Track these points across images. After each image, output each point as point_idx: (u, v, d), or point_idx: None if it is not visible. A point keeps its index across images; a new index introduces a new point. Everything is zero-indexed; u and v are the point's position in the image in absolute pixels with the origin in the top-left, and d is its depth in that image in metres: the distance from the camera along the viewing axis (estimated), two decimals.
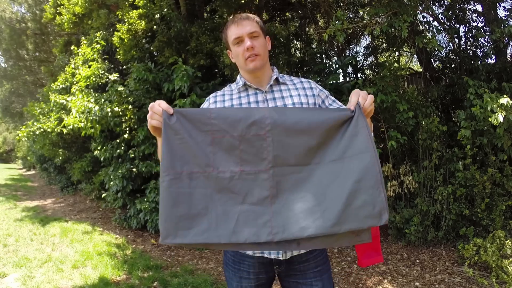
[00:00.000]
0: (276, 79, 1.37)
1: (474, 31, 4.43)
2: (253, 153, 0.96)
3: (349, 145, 0.95)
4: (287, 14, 7.01)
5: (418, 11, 4.07)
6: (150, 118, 1.05)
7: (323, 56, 5.76)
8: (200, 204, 0.93)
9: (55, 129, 5.90)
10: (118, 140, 5.47)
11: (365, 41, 6.98)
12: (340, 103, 1.35)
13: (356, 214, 0.91)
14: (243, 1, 5.08)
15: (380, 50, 5.52)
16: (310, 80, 1.42)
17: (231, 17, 1.36)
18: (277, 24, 5.15)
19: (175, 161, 0.94)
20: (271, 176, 0.95)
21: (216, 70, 5.31)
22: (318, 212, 0.92)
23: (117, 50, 5.35)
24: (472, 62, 4.25)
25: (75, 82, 6.25)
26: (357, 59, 5.28)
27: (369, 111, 1.08)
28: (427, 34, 4.09)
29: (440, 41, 5.18)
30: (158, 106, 1.04)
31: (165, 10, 4.80)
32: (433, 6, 4.66)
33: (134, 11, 5.01)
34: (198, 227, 0.91)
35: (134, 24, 5.00)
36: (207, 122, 0.97)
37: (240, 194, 0.94)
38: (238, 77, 1.41)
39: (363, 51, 5.52)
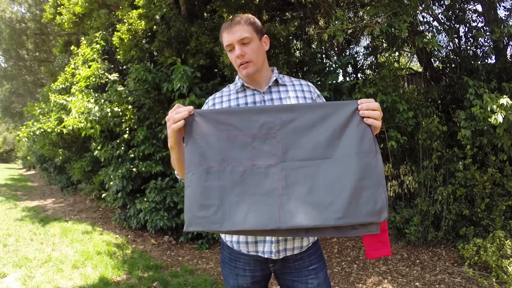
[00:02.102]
0: (276, 80, 1.36)
1: (474, 31, 4.43)
2: (264, 150, 1.06)
3: (355, 145, 1.02)
4: (287, 14, 7.00)
5: (418, 11, 4.07)
6: (173, 122, 1.08)
7: (323, 56, 5.76)
8: (216, 195, 1.03)
9: (55, 129, 5.90)
10: (118, 140, 5.47)
11: (365, 41, 6.99)
12: None
13: (359, 209, 0.97)
14: (243, 1, 5.08)
15: (380, 50, 5.52)
16: (309, 83, 1.42)
17: (225, 21, 1.35)
18: (277, 24, 5.15)
19: (195, 158, 1.06)
20: (279, 169, 1.04)
21: (215, 70, 5.31)
22: (324, 204, 0.99)
23: (117, 50, 5.35)
24: (472, 62, 4.25)
25: (75, 82, 6.26)
26: (357, 59, 5.28)
27: (377, 117, 1.06)
28: (427, 34, 4.09)
29: (440, 41, 5.18)
30: (181, 109, 1.09)
31: (165, 10, 4.80)
32: (433, 6, 4.66)
33: (134, 11, 5.01)
34: (214, 216, 1.02)
35: (134, 24, 5.00)
36: (224, 121, 1.08)
37: (252, 186, 1.03)
38: (237, 78, 1.41)
39: (363, 51, 5.52)
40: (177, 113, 1.08)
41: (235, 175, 1.04)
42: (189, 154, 1.06)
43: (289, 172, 1.03)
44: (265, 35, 1.37)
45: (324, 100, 1.41)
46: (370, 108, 1.06)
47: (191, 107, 1.09)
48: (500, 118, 3.04)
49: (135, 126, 5.18)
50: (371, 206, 0.97)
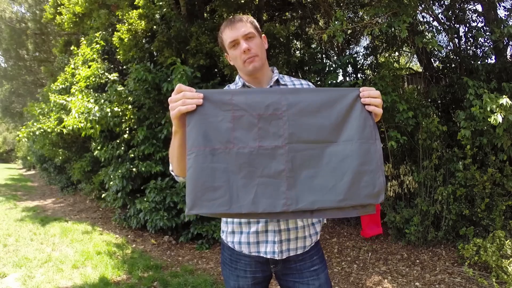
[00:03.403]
0: (277, 80, 1.36)
1: (474, 31, 4.43)
2: (270, 131, 1.04)
3: (357, 131, 1.05)
4: (287, 14, 7.00)
5: (418, 11, 4.07)
6: (182, 104, 1.03)
7: (323, 56, 5.76)
8: (222, 177, 1.01)
9: (55, 129, 5.90)
10: (118, 140, 5.47)
11: (365, 41, 6.99)
12: None
13: (359, 192, 1.03)
14: (242, 1, 5.08)
15: (380, 50, 5.52)
16: (310, 83, 1.41)
17: (225, 21, 1.35)
18: (276, 24, 5.14)
19: (199, 139, 1.03)
20: (286, 151, 1.04)
21: (215, 70, 5.31)
22: (327, 187, 1.03)
23: (117, 50, 5.35)
24: (472, 62, 4.25)
25: (75, 82, 6.25)
26: (357, 59, 5.27)
27: (377, 104, 1.09)
28: (427, 34, 4.09)
29: (440, 41, 5.18)
30: (192, 94, 1.04)
31: (165, 10, 4.80)
32: (433, 6, 4.66)
33: (134, 11, 5.01)
34: (221, 199, 1.00)
35: (134, 24, 5.00)
36: (228, 102, 1.05)
37: (258, 167, 1.03)
38: (237, 77, 1.40)
39: (363, 51, 5.52)
40: (189, 98, 1.04)
41: (241, 157, 1.03)
42: (192, 134, 1.03)
43: (296, 154, 1.04)
44: (263, 35, 1.37)
45: None
46: (371, 96, 1.08)
47: (201, 94, 1.05)
48: (499, 118, 3.04)
49: (135, 126, 5.18)
50: (370, 189, 1.03)
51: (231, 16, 1.34)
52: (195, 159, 1.02)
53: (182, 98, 1.04)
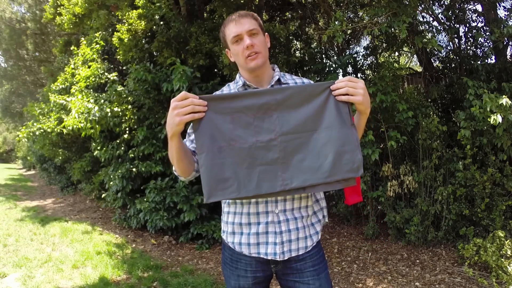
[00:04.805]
0: (278, 79, 1.36)
1: (474, 31, 4.43)
2: (264, 127, 1.23)
3: (335, 118, 1.23)
4: (287, 14, 7.00)
5: (417, 11, 4.07)
6: (193, 111, 1.14)
7: (323, 56, 5.76)
8: (230, 170, 1.21)
9: (55, 129, 5.90)
10: (118, 140, 5.47)
11: (365, 41, 6.99)
12: None
13: (341, 168, 1.21)
14: (242, 1, 5.08)
15: (380, 50, 5.52)
16: (311, 82, 1.41)
17: (230, 15, 1.33)
18: (276, 24, 5.14)
19: (207, 141, 1.21)
20: (279, 142, 1.23)
21: (215, 70, 5.30)
22: (314, 167, 1.22)
23: (117, 50, 5.35)
24: (472, 62, 4.24)
25: (75, 83, 6.25)
26: (357, 59, 5.27)
27: (351, 93, 1.18)
28: (427, 34, 4.09)
29: (440, 41, 5.18)
30: (196, 100, 1.15)
31: (165, 10, 4.79)
32: (433, 6, 4.66)
33: (134, 11, 5.01)
34: (232, 187, 1.21)
35: (133, 24, 5.00)
36: (227, 106, 1.22)
37: (258, 158, 1.22)
38: (238, 76, 1.40)
39: (363, 51, 5.52)
40: (197, 105, 1.15)
41: (243, 151, 1.22)
42: (200, 138, 1.21)
43: (287, 143, 1.23)
44: (266, 34, 1.37)
45: None
46: (336, 88, 1.19)
47: (204, 102, 1.17)
48: (499, 118, 3.04)
49: (135, 126, 5.18)
50: (351, 165, 1.21)
51: (236, 12, 1.33)
52: (205, 158, 1.20)
53: (191, 104, 1.13)
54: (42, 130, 5.94)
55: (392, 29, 3.68)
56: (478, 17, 4.66)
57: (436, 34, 4.31)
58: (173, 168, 1.32)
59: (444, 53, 4.94)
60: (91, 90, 5.79)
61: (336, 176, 1.21)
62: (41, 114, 6.64)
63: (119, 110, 4.97)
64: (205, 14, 5.77)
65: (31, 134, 5.91)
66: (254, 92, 1.26)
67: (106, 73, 5.84)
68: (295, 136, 1.23)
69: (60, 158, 8.47)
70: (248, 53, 1.26)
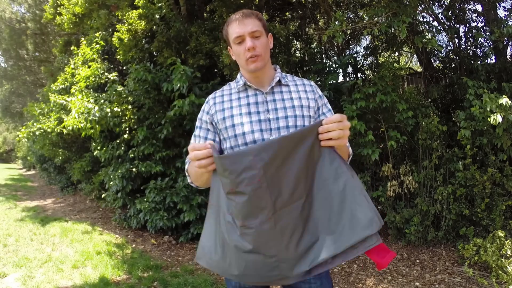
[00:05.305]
0: (279, 80, 1.35)
1: (474, 31, 4.43)
2: (252, 205, 1.00)
3: (327, 171, 1.02)
4: (287, 14, 7.00)
5: (417, 11, 4.07)
6: (209, 164, 1.08)
7: (323, 56, 5.75)
8: (220, 244, 1.07)
9: (55, 129, 5.90)
10: (118, 140, 5.47)
11: (365, 41, 6.98)
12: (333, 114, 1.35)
13: (351, 230, 0.97)
14: (242, 1, 5.08)
15: (380, 50, 5.52)
16: (312, 83, 1.41)
17: (234, 14, 1.32)
18: (276, 24, 5.14)
19: (214, 197, 1.12)
20: (273, 224, 0.99)
21: (215, 70, 5.30)
22: (318, 244, 1.00)
23: (117, 50, 5.35)
24: (472, 62, 4.25)
25: (74, 83, 6.26)
26: (357, 59, 5.27)
27: (335, 136, 1.04)
28: (427, 34, 4.09)
29: (440, 41, 5.18)
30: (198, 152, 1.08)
31: (165, 10, 4.80)
32: (433, 6, 4.66)
33: (134, 11, 5.01)
34: (219, 263, 1.08)
35: (133, 24, 5.00)
36: (225, 169, 1.03)
37: (245, 244, 1.01)
38: (239, 75, 1.39)
39: (363, 51, 5.52)
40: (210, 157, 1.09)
41: (233, 232, 1.03)
42: (213, 191, 1.11)
43: (283, 223, 1.00)
44: (270, 34, 1.36)
45: (326, 100, 1.41)
46: (326, 130, 1.04)
47: (210, 152, 1.07)
48: (499, 118, 3.04)
49: (135, 126, 5.18)
50: (362, 222, 0.97)
51: (241, 11, 1.31)
52: (210, 212, 1.12)
53: (208, 156, 1.07)
54: (42, 130, 5.95)
55: (392, 29, 3.68)
56: (478, 17, 4.66)
57: (436, 34, 4.31)
58: (189, 180, 1.32)
59: (444, 53, 4.94)
60: (91, 90, 5.79)
61: (347, 242, 0.97)
62: (41, 114, 6.64)
63: (119, 110, 4.97)
64: (205, 14, 5.77)
65: (31, 134, 5.91)
66: (235, 156, 1.02)
67: (106, 73, 5.84)
68: (292, 208, 1.00)
69: (60, 158, 8.47)
70: (249, 55, 1.26)
